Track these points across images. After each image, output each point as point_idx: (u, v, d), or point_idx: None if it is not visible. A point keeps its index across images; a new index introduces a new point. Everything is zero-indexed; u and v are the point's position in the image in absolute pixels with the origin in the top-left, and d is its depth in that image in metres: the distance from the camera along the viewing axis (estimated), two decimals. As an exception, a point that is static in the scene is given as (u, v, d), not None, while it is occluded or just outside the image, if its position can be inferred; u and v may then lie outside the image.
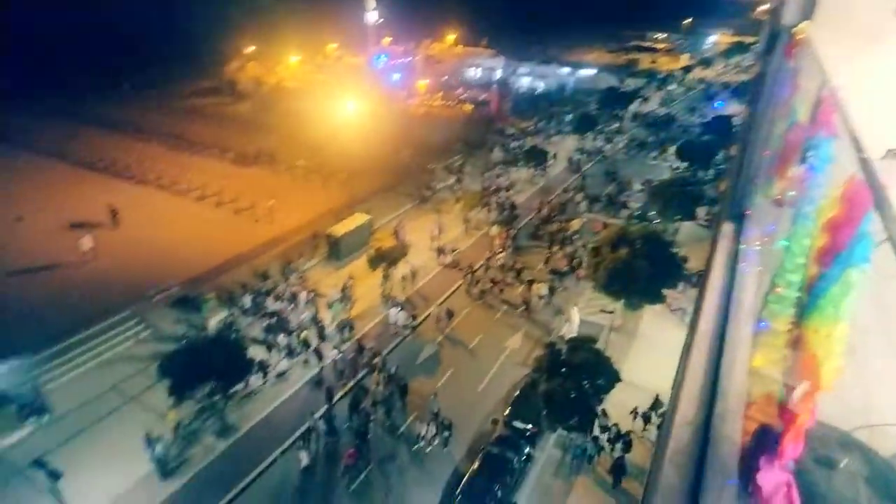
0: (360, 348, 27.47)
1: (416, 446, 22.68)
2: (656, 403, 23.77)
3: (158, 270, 33.28)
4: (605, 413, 22.78)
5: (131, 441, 21.89)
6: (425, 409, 23.87)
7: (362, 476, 21.37)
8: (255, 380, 24.93)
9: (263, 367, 25.55)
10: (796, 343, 4.14)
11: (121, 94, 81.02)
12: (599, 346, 24.48)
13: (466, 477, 20.58)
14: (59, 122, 65.11)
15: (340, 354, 26.61)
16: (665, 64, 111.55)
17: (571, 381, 21.50)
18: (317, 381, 25.69)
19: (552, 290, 33.37)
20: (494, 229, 39.61)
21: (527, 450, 22.04)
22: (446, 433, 22.84)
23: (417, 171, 51.17)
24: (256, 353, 25.60)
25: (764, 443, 4.13)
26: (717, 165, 52.12)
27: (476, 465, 21.04)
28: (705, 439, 4.76)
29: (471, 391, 26.06)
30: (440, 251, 36.77)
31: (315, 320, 28.65)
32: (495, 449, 21.63)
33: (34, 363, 25.19)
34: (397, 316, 29.96)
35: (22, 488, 19.89)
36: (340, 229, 36.39)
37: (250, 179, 47.10)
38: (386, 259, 32.94)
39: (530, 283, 33.73)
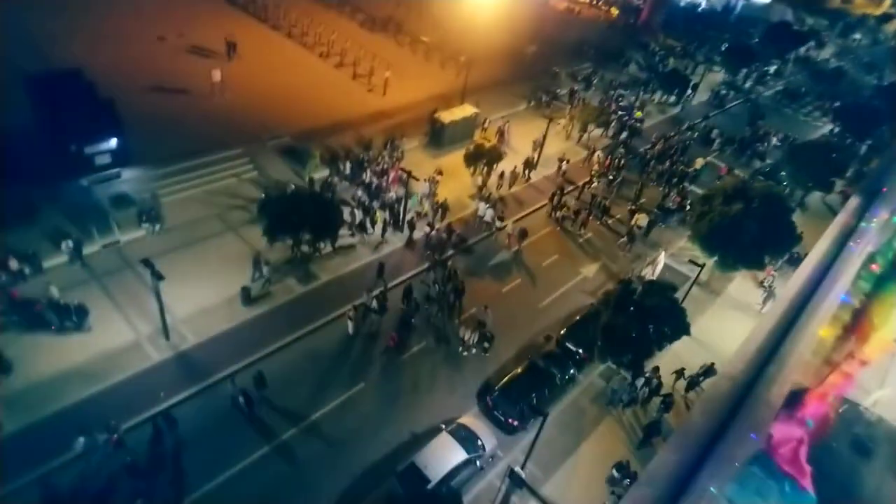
0: (445, 234, 28.32)
1: (458, 349, 23.37)
2: (709, 370, 22.99)
3: (274, 116, 34.98)
4: (656, 369, 22.36)
5: (224, 265, 24.56)
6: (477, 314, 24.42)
7: (396, 360, 22.54)
8: (340, 241, 26.47)
9: (350, 231, 27.10)
10: (859, 314, 3.72)
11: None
12: (678, 295, 23.56)
13: (507, 378, 21.48)
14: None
15: (419, 235, 27.74)
16: (861, 6, 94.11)
17: (636, 321, 21.16)
18: (381, 262, 26.69)
19: (651, 226, 31.96)
20: (600, 154, 37.52)
21: (572, 371, 22.45)
22: (486, 345, 23.20)
23: (540, 71, 48.48)
24: (346, 217, 26.87)
25: (791, 401, 3.89)
26: (876, 137, 45.29)
27: (520, 370, 21.82)
28: (743, 395, 4.55)
29: (531, 305, 26.36)
30: (525, 165, 35.24)
31: (400, 200, 29.35)
32: (541, 361, 22.23)
33: (157, 175, 28.17)
34: (486, 211, 30.19)
35: (130, 280, 23.18)
36: (447, 117, 35.96)
37: (373, 45, 46.77)
38: (483, 157, 32.51)
39: (633, 212, 32.52)
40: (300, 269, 25.41)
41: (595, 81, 49.38)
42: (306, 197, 25.43)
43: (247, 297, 23.34)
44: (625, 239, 30.86)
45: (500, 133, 37.61)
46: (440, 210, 29.85)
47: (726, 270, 28.72)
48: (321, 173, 31.02)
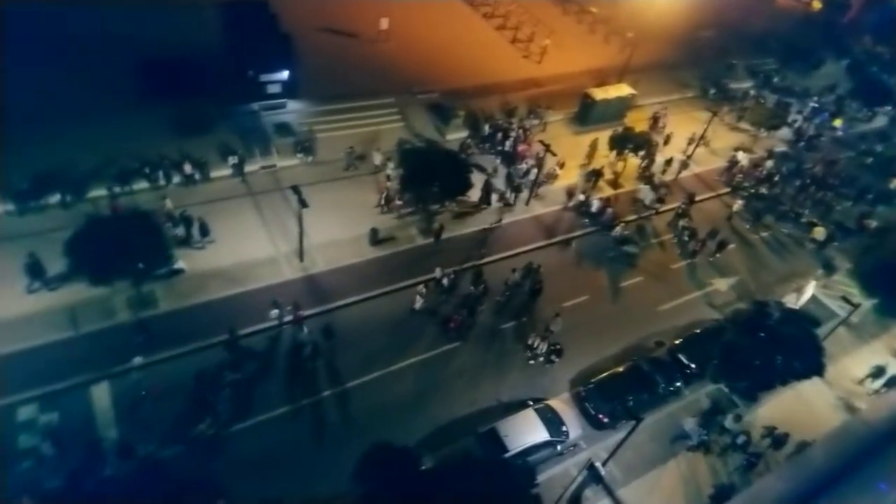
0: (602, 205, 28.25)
1: (523, 351, 21.98)
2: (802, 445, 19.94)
3: (428, 70, 35.84)
4: (772, 430, 20.12)
5: (358, 206, 26.13)
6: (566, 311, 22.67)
7: (452, 346, 21.91)
8: (466, 204, 26.99)
9: (482, 195, 27.43)
10: None
11: None
12: (820, 332, 21.19)
13: (606, 374, 20.92)
14: None
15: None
16: None
17: (764, 348, 19.45)
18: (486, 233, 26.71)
19: (828, 241, 29.03)
20: (755, 158, 33.93)
21: (678, 383, 21.29)
22: (553, 358, 21.51)
23: (712, 60, 44.35)
24: (477, 180, 27.20)
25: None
26: None
27: (621, 368, 21.13)
28: (878, 442, 4.09)
29: (648, 307, 25.11)
30: (684, 162, 32.86)
31: (530, 171, 28.91)
32: (646, 365, 21.32)
33: (317, 111, 30.37)
34: (648, 194, 29.61)
35: (279, 203, 25.53)
36: (599, 94, 34.43)
37: (537, 11, 45.59)
38: (630, 142, 30.90)
39: (811, 224, 29.82)
40: (424, 221, 26.30)
41: (776, 80, 44.16)
42: (441, 154, 26.07)
43: (374, 238, 24.80)
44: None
45: (655, 119, 35.35)
46: (595, 180, 29.71)
47: (885, 317, 25.14)
48: (460, 133, 31.44)
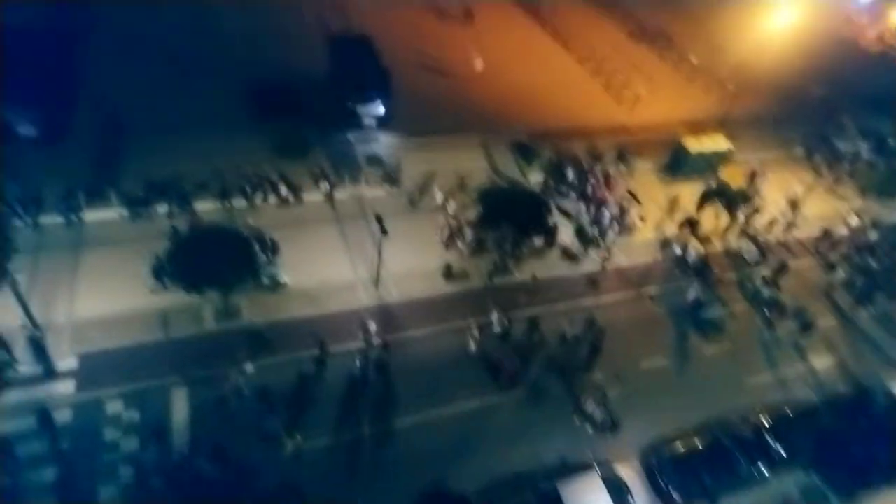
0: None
1: (574, 416, 20.67)
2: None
3: (517, 108, 36.17)
4: None
5: (436, 237, 26.30)
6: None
7: (505, 395, 21.06)
8: (540, 243, 26.47)
9: (554, 237, 26.72)
10: None
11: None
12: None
13: (683, 445, 19.53)
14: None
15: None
16: None
17: (867, 439, 17.51)
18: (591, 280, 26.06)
19: None
20: (874, 233, 31.06)
21: (762, 467, 19.47)
22: (609, 427, 20.06)
23: (822, 118, 41.72)
24: (555, 222, 26.76)
25: None
26: None
27: (700, 442, 19.66)
28: None
29: (732, 377, 23.32)
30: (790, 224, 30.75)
31: (612, 218, 28.08)
32: (727, 440, 19.70)
33: (406, 144, 31.27)
34: (749, 248, 28.46)
35: (362, 228, 26.15)
36: (693, 144, 33.19)
37: (635, 57, 45.07)
38: (724, 197, 29.42)
39: None
40: (498, 261, 26.02)
41: (891, 143, 40.78)
42: (522, 195, 25.95)
43: (447, 273, 24.88)
44: None
45: (752, 176, 33.50)
46: (691, 227, 28.40)
47: None
48: (541, 175, 31.18)
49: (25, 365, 18.87)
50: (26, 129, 25.97)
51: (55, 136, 26.64)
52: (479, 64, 37.61)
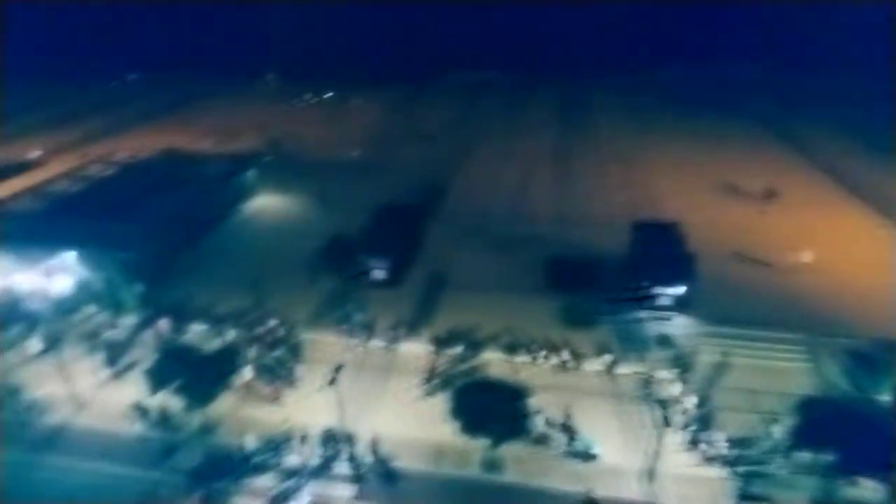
0: None
1: None
2: None
3: (853, 312, 30.10)
4: None
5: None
6: None
7: None
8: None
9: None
10: None
11: None
12: None
13: None
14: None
15: None
16: None
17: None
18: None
19: None
20: None
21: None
22: None
23: None
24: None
25: None
26: None
27: None
28: None
29: None
30: None
31: None
32: None
33: (703, 332, 28.75)
34: None
35: (642, 412, 24.00)
36: None
37: None
38: None
39: None
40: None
41: None
42: (861, 416, 20.39)
43: (743, 495, 20.36)
44: None
45: None
46: None
47: None
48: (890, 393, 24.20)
49: (314, 459, 22.06)
50: (379, 274, 33.21)
51: (396, 282, 33.32)
52: (806, 256, 33.54)
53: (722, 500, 20.25)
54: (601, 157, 53.93)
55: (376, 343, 28.37)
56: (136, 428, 23.43)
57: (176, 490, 20.74)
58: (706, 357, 27.11)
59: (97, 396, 25.15)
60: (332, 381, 21.16)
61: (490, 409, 20.74)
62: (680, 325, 29.43)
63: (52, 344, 25.93)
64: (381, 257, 33.03)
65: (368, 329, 28.85)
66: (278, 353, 27.15)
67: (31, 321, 29.04)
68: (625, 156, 53.68)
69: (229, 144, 55.36)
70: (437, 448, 22.43)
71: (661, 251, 31.22)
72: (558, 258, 35.78)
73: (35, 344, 27.49)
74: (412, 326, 29.32)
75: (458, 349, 27.69)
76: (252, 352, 27.04)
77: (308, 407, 24.10)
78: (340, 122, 65.13)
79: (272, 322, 28.68)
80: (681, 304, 29.72)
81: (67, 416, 24.19)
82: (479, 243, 38.01)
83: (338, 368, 21.56)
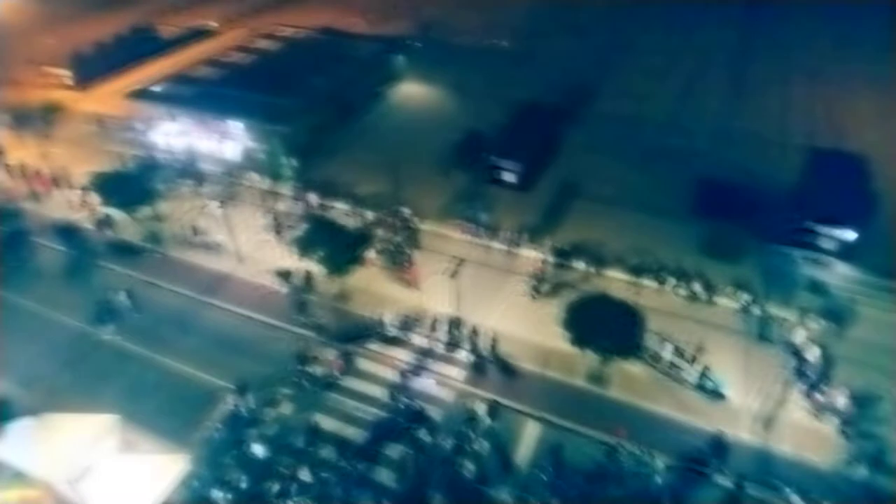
0: None
1: None
2: None
3: None
4: None
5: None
6: None
7: None
8: None
9: None
10: None
11: None
12: None
13: None
14: None
15: None
16: None
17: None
18: None
19: None
20: None
21: None
22: None
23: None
24: None
25: None
26: None
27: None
28: None
29: None
30: None
31: None
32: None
33: (868, 282, 25.21)
34: None
35: (772, 357, 22.40)
36: None
37: None
38: None
39: None
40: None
41: None
42: None
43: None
44: None
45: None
46: None
47: None
48: None
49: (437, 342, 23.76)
50: (510, 178, 32.68)
51: (526, 187, 32.66)
52: None
53: (836, 455, 18.95)
54: (786, 69, 45.89)
55: (498, 244, 28.66)
56: (283, 287, 26.48)
57: (312, 343, 23.74)
58: (860, 312, 24.03)
59: (253, 254, 28.75)
60: (454, 275, 22.12)
61: (606, 325, 20.32)
62: (839, 274, 25.99)
63: (223, 201, 29.55)
64: (515, 160, 32.28)
65: (492, 230, 29.03)
66: (404, 239, 28.41)
67: (204, 179, 33.45)
68: (815, 72, 45.03)
69: (382, 26, 55.25)
70: (547, 353, 22.91)
71: (837, 186, 27.07)
72: (712, 179, 32.34)
73: (210, 197, 31.54)
74: (535, 232, 28.91)
75: (580, 262, 27.08)
76: (383, 234, 28.81)
77: (428, 295, 25.41)
78: (494, 8, 61.41)
79: (405, 210, 29.91)
80: (847, 251, 25.99)
81: (230, 266, 28.14)
82: (624, 152, 35.35)
83: (459, 262, 22.40)
